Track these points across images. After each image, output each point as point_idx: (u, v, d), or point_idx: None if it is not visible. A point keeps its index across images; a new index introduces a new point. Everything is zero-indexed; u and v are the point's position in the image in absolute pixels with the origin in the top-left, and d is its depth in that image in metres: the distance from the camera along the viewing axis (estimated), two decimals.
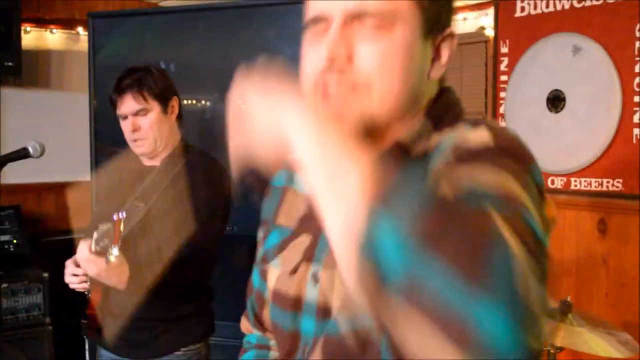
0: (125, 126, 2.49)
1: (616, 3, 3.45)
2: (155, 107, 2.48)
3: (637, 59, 3.39)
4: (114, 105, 2.51)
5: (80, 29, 4.69)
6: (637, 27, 3.37)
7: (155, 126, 2.48)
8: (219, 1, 4.28)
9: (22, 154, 2.43)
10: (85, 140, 4.22)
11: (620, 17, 3.44)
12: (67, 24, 4.69)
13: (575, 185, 3.68)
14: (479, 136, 0.95)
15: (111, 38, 4.20)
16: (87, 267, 2.13)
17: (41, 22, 4.59)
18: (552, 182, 3.78)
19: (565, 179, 3.73)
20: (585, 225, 3.66)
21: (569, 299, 2.57)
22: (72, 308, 4.02)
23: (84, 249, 2.11)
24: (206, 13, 4.09)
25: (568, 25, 3.65)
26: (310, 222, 1.08)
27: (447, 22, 1.06)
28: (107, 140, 4.09)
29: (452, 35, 1.06)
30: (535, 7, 3.80)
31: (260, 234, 1.30)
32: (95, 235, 2.08)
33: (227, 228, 2.63)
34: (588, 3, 3.56)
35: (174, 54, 4.09)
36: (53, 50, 4.68)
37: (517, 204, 0.81)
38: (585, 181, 3.64)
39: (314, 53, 1.01)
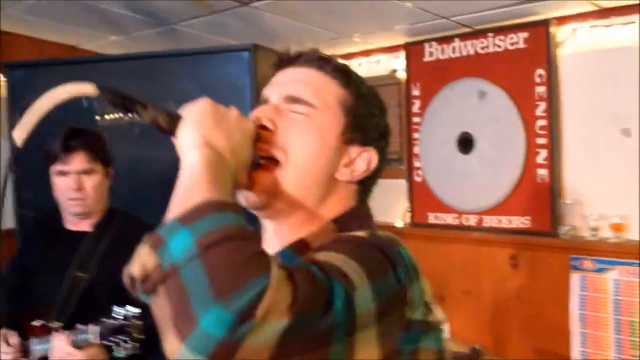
0: (65, 183, 2.47)
1: (516, 50, 3.62)
2: (100, 169, 2.50)
3: (538, 103, 3.56)
4: (54, 160, 2.47)
5: None
6: (536, 73, 3.55)
7: (97, 188, 2.50)
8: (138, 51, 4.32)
9: None
10: (7, 188, 4.18)
11: (520, 63, 3.61)
12: None
13: (487, 223, 3.83)
14: (357, 233, 1.08)
15: (30, 86, 4.18)
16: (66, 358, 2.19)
17: None
18: (467, 220, 3.93)
19: (477, 217, 3.88)
20: (498, 261, 3.82)
21: (477, 346, 2.68)
22: None
23: (64, 347, 2.19)
24: (122, 62, 4.11)
25: (473, 70, 3.81)
26: None
27: (370, 142, 1.21)
28: (29, 189, 4.08)
29: (370, 152, 1.20)
30: (442, 52, 3.95)
31: None
32: (98, 329, 2.17)
33: None
34: (491, 49, 3.73)
35: (95, 98, 4.10)
36: None
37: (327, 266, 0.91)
38: (496, 219, 3.79)
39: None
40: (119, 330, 2.16)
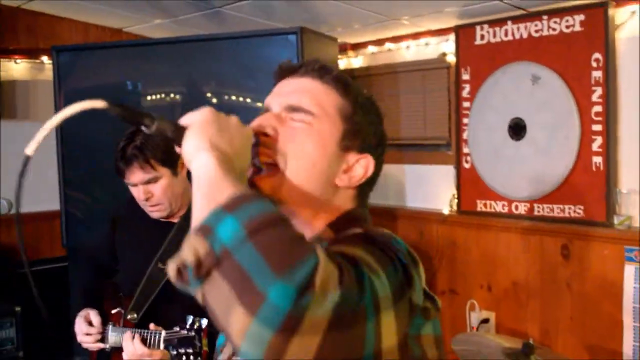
0: (136, 193, 2.43)
1: (572, 33, 3.49)
2: (164, 172, 2.40)
3: (594, 88, 3.43)
4: (120, 173, 2.42)
5: (44, 58, 4.67)
6: (593, 57, 3.42)
7: (168, 190, 2.42)
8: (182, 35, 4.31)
9: None
10: (52, 169, 4.22)
11: (576, 47, 3.49)
12: (32, 53, 4.67)
13: (539, 212, 3.73)
14: (354, 231, 1.19)
15: (77, 68, 4.21)
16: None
17: (5, 53, 4.56)
18: (516, 208, 3.83)
19: (528, 205, 3.78)
20: (549, 251, 3.72)
21: (531, 341, 2.61)
22: (45, 341, 4.04)
23: (138, 345, 2.20)
24: (167, 46, 4.12)
25: (526, 54, 3.69)
26: None
27: (367, 149, 1.27)
28: (74, 170, 4.11)
29: (368, 159, 1.26)
30: (494, 35, 3.84)
31: None
32: (164, 335, 2.18)
33: None
34: (545, 33, 3.61)
35: (138, 80, 4.13)
36: (18, 80, 4.65)
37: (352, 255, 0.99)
38: (547, 207, 3.69)
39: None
40: (186, 341, 2.14)
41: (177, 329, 2.18)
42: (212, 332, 2.15)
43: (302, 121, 1.21)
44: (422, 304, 1.11)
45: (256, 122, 1.22)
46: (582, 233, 3.57)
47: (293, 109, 1.23)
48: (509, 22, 3.76)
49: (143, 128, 1.11)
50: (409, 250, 1.12)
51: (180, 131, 1.09)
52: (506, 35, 3.78)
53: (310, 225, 1.22)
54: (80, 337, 2.45)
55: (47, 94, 4.38)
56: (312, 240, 1.14)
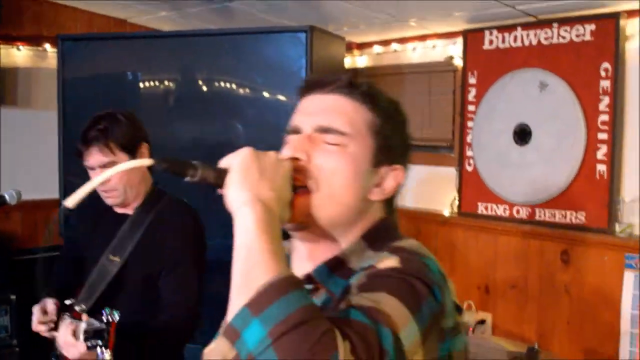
0: (93, 177, 2.40)
1: (582, 42, 3.53)
2: (123, 158, 2.40)
3: (602, 97, 3.48)
4: (80, 156, 2.43)
5: (47, 46, 4.64)
6: (602, 67, 3.46)
7: (124, 177, 2.42)
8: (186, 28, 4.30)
9: None
10: (52, 157, 4.21)
11: (585, 56, 3.53)
12: (35, 40, 4.63)
13: (540, 217, 3.77)
14: (391, 262, 1.12)
15: (80, 57, 4.19)
16: (67, 350, 2.18)
17: (8, 39, 4.52)
18: (518, 212, 3.87)
19: (530, 209, 3.82)
20: (549, 255, 3.76)
21: (536, 346, 2.64)
22: None
23: (66, 335, 2.16)
24: (173, 39, 4.12)
25: (535, 61, 3.73)
26: None
27: (397, 160, 1.29)
28: (75, 158, 4.08)
29: (398, 170, 1.28)
30: (503, 41, 3.87)
31: None
32: (84, 326, 2.12)
33: None
34: (555, 40, 3.64)
35: (141, 72, 4.12)
36: (20, 67, 4.61)
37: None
38: (549, 213, 3.73)
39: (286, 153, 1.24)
40: (98, 333, 2.12)
41: (93, 320, 2.17)
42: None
43: (335, 144, 1.21)
44: (454, 323, 1.13)
45: (288, 150, 1.21)
46: (582, 239, 3.61)
47: (324, 129, 1.22)
48: (519, 29, 3.79)
49: (187, 178, 1.13)
50: (439, 270, 1.14)
51: (222, 176, 1.10)
52: (515, 41, 3.82)
53: (344, 238, 1.24)
54: (35, 326, 2.44)
55: (48, 81, 4.36)
56: (344, 253, 1.22)
